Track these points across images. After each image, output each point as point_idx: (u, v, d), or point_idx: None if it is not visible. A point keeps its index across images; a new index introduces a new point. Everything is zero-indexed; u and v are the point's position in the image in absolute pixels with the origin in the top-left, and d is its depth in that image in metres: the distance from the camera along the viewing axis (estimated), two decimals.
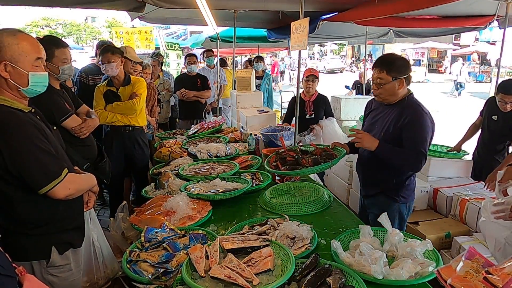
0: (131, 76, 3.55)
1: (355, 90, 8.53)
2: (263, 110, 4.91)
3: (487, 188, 3.02)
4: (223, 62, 7.34)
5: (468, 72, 22.55)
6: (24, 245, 1.61)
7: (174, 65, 11.08)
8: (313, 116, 4.27)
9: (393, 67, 2.28)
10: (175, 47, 11.37)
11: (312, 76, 4.27)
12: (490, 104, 3.72)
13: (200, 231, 1.89)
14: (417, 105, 2.31)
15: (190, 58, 5.47)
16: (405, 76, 2.28)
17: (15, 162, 1.49)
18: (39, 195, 1.55)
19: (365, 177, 2.60)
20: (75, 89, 4.06)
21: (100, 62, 3.39)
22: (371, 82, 2.55)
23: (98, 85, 3.49)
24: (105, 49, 3.34)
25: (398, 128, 2.27)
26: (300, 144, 3.53)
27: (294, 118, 3.94)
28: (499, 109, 3.50)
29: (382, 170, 2.40)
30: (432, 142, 4.18)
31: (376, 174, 2.47)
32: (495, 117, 3.59)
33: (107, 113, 3.35)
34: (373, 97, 2.53)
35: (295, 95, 4.16)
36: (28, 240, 1.61)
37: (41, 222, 1.62)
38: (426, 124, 2.25)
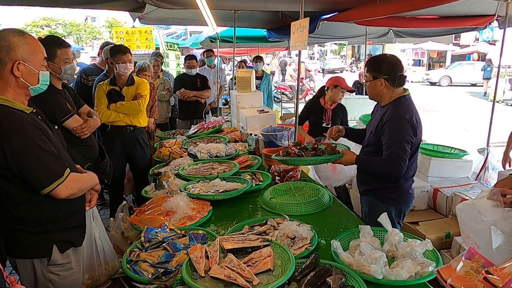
0: (135, 77, 3.56)
1: (355, 90, 8.52)
2: (263, 110, 4.91)
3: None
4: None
5: None
6: (26, 243, 1.62)
7: (174, 65, 11.08)
8: (329, 125, 4.19)
9: (374, 66, 2.27)
10: (174, 47, 11.37)
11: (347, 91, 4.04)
12: None
13: (200, 231, 1.89)
14: (400, 108, 2.21)
15: (190, 61, 5.42)
16: (386, 76, 2.21)
17: (18, 162, 1.50)
18: (42, 195, 1.55)
19: (357, 174, 2.64)
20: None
21: (111, 63, 3.41)
22: None
23: (100, 83, 3.48)
24: (122, 50, 3.34)
25: (379, 130, 2.25)
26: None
27: (308, 122, 3.99)
28: None
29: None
30: (432, 142, 4.25)
31: (362, 173, 2.50)
32: None
33: (110, 112, 3.35)
34: None
35: (311, 99, 4.15)
36: (30, 238, 1.62)
37: (43, 221, 1.63)
38: (402, 128, 2.16)
